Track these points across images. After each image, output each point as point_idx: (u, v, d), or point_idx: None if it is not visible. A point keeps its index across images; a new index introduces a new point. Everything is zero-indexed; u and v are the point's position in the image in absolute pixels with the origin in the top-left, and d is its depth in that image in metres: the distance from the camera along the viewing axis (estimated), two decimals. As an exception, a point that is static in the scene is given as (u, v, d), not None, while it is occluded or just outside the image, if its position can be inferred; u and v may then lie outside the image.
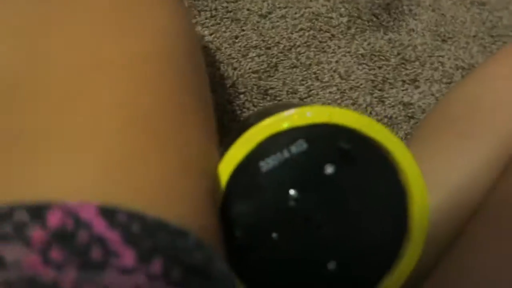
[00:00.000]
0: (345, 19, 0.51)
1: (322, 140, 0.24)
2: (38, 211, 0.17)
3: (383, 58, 0.49)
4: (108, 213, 0.18)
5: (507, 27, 0.52)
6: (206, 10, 0.48)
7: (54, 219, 0.17)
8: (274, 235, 0.24)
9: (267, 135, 0.24)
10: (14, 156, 0.19)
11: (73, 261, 0.16)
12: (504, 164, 0.26)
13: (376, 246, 0.25)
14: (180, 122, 0.23)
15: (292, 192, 0.24)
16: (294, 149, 0.24)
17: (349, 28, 0.50)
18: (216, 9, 0.49)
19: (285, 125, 0.24)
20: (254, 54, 0.47)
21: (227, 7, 0.49)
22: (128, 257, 0.17)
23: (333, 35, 0.50)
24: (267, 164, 0.24)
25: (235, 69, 0.46)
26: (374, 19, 0.51)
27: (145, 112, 0.22)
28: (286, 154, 0.24)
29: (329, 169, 0.24)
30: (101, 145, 0.20)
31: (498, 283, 0.21)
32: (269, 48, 0.48)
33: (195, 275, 0.19)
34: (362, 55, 0.49)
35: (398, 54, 0.50)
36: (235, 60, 0.47)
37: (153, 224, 0.19)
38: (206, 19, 0.48)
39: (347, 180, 0.24)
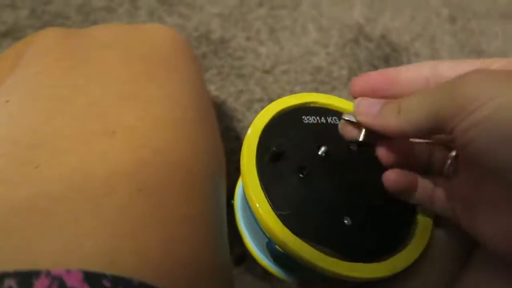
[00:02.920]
0: (345, 71, 0.53)
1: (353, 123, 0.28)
2: (26, 279, 0.17)
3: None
4: (94, 278, 0.18)
5: None
6: (213, 68, 0.52)
7: (41, 287, 0.17)
8: (301, 174, 0.27)
9: (313, 100, 0.31)
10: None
11: None
12: None
13: (388, 221, 0.27)
14: (186, 192, 0.24)
15: (323, 147, 0.28)
16: (329, 119, 0.30)
17: (349, 79, 0.52)
18: (222, 66, 0.52)
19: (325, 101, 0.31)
20: (257, 107, 0.50)
21: (232, 64, 0.52)
22: None
23: (334, 87, 0.52)
24: (308, 119, 0.30)
25: (239, 121, 0.49)
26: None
27: (154, 182, 0.22)
28: (323, 119, 0.30)
29: (354, 147, 0.29)
30: (110, 214, 0.20)
31: None
32: (272, 101, 0.50)
33: None
34: (362, 104, 0.51)
35: (399, 102, 0.51)
36: (240, 113, 0.49)
37: (138, 287, 0.19)
38: (212, 76, 0.51)
39: (369, 157, 0.27)
